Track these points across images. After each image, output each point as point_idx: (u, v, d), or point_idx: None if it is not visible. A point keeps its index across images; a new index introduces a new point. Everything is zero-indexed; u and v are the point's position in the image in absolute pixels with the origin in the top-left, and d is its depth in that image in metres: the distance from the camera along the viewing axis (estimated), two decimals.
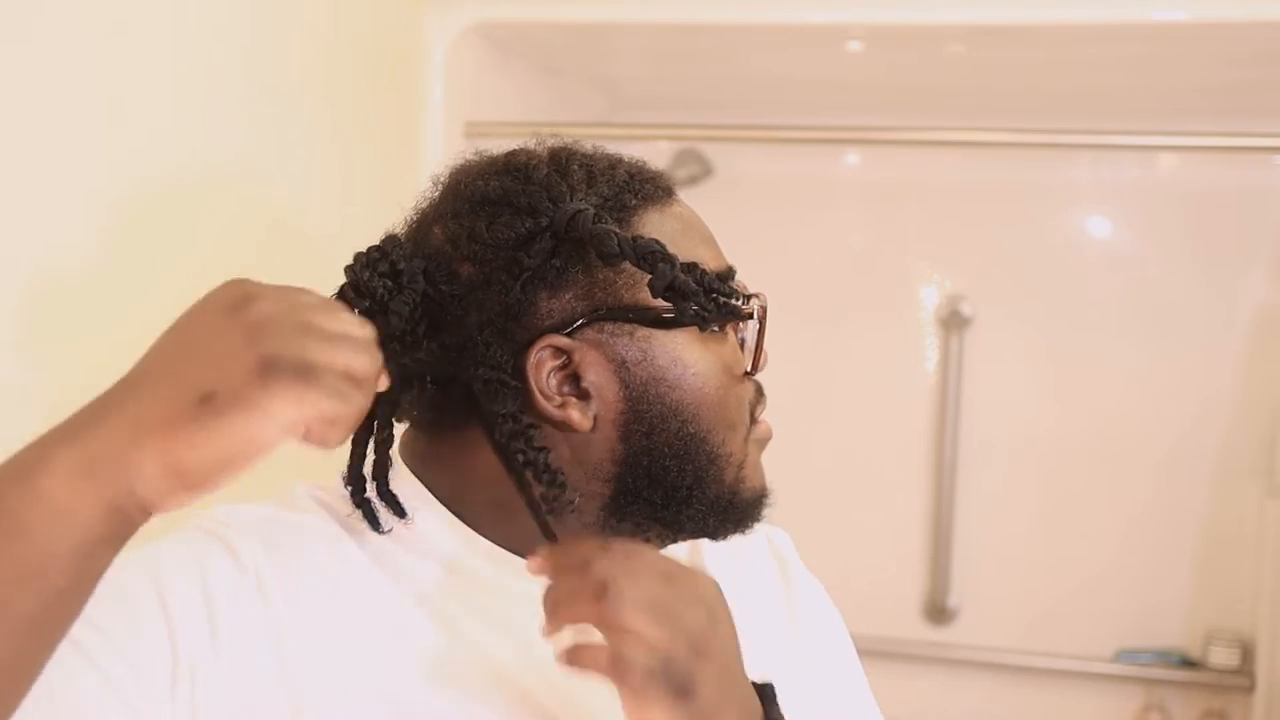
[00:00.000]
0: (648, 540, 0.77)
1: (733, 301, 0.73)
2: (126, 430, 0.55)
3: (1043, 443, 2.41)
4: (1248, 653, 2.28)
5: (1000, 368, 2.44)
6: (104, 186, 1.19)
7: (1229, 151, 2.23)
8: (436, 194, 0.78)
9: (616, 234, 0.70)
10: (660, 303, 0.71)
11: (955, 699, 2.44)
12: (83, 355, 1.17)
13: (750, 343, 0.76)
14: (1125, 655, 2.36)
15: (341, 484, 0.76)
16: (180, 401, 0.55)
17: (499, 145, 0.80)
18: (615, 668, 0.62)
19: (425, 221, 0.76)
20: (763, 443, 0.79)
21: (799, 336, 2.40)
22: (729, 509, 0.76)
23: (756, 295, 0.77)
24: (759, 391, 0.79)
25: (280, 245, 1.48)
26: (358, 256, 0.73)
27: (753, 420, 0.78)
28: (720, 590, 0.69)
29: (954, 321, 2.44)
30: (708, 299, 0.71)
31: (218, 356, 0.56)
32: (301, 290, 0.60)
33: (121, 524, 0.56)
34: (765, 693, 0.71)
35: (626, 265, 0.70)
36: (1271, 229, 2.32)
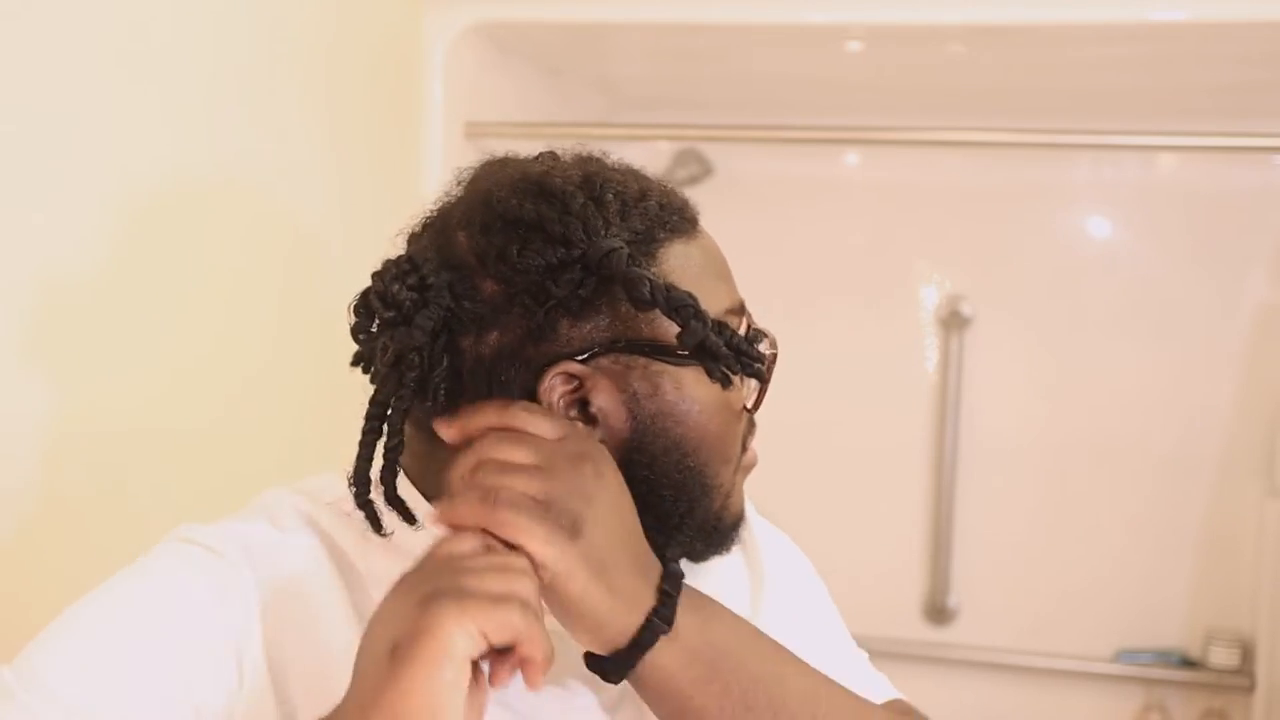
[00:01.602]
0: None
1: (758, 365, 0.75)
2: (355, 715, 0.59)
3: (1043, 443, 2.41)
4: (1248, 653, 2.28)
5: (1000, 368, 2.44)
6: (104, 188, 1.19)
7: (1229, 152, 2.23)
8: (461, 194, 0.77)
9: (651, 281, 0.70)
10: (676, 340, 0.72)
11: (955, 699, 2.44)
12: (85, 359, 1.17)
13: (754, 381, 0.77)
14: (1125, 655, 2.37)
15: (322, 488, 0.78)
16: (377, 664, 0.59)
17: (494, 145, 0.80)
18: (489, 505, 0.64)
19: (449, 224, 0.75)
20: (748, 470, 0.81)
21: (798, 337, 2.39)
22: (713, 534, 0.78)
23: (766, 335, 0.78)
24: (751, 422, 0.80)
25: (280, 245, 1.48)
26: (387, 265, 0.73)
27: (743, 449, 0.79)
28: (610, 459, 0.71)
29: (954, 321, 2.44)
30: (736, 360, 0.73)
31: (395, 616, 0.60)
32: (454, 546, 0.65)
33: None
34: (669, 569, 0.71)
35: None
36: (1272, 229, 2.32)
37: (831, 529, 2.39)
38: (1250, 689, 2.23)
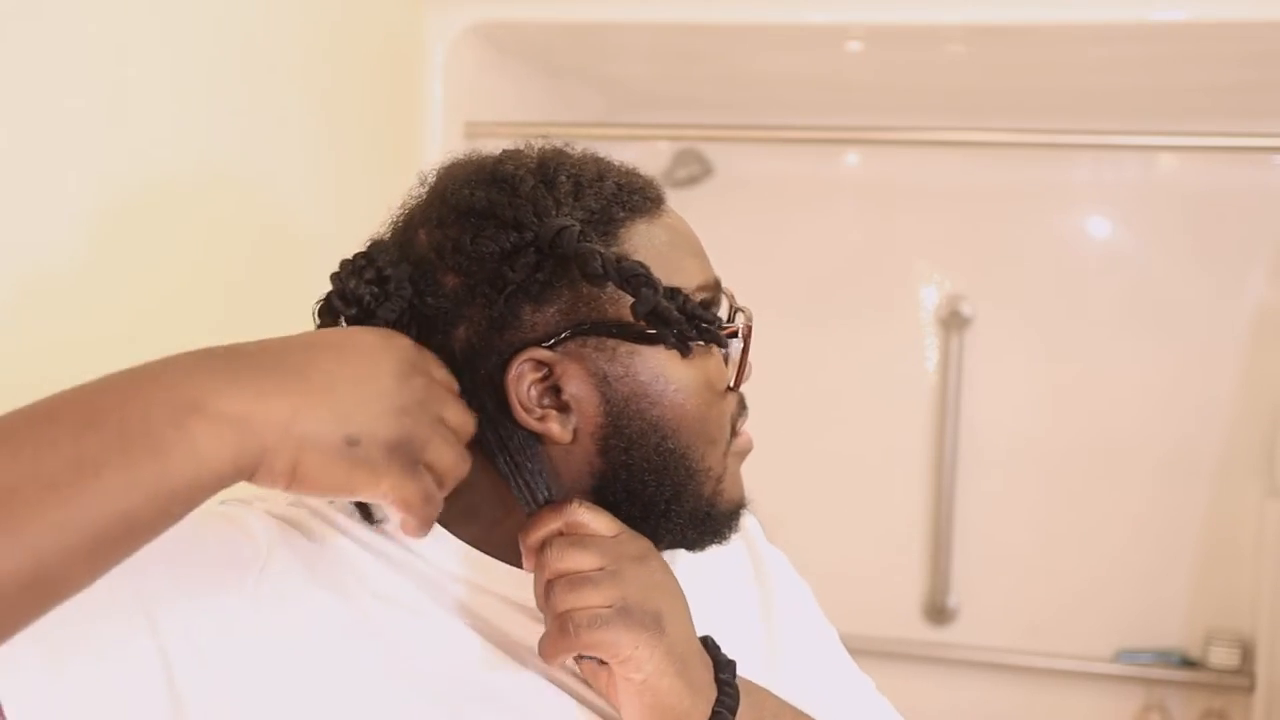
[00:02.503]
0: None
1: (713, 328, 0.73)
2: (285, 419, 0.60)
3: (1043, 443, 2.41)
4: (1248, 653, 2.28)
5: (1000, 368, 2.44)
6: (104, 187, 1.19)
7: (1229, 152, 2.23)
8: (424, 195, 0.77)
9: (601, 254, 0.69)
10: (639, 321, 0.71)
11: (955, 699, 2.44)
12: (81, 355, 1.17)
13: (734, 358, 0.76)
14: (1125, 655, 2.37)
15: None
16: (334, 431, 0.62)
17: (495, 145, 0.80)
18: (572, 634, 0.67)
19: (412, 224, 0.75)
20: (743, 455, 0.79)
21: (798, 337, 2.40)
22: (706, 521, 0.76)
23: (742, 310, 0.77)
24: (741, 404, 0.79)
25: (280, 245, 1.48)
26: (344, 264, 0.73)
27: (734, 433, 0.78)
28: (653, 548, 0.73)
29: (954, 321, 2.44)
30: (690, 325, 0.71)
31: (376, 413, 0.63)
32: (445, 373, 0.70)
33: (234, 480, 0.60)
34: (708, 642, 0.74)
35: (611, 284, 0.70)
36: (1272, 229, 2.32)
37: (832, 529, 2.39)
38: (1250, 689, 2.23)
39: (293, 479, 0.61)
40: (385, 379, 0.64)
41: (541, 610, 0.70)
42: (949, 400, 2.43)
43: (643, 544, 0.72)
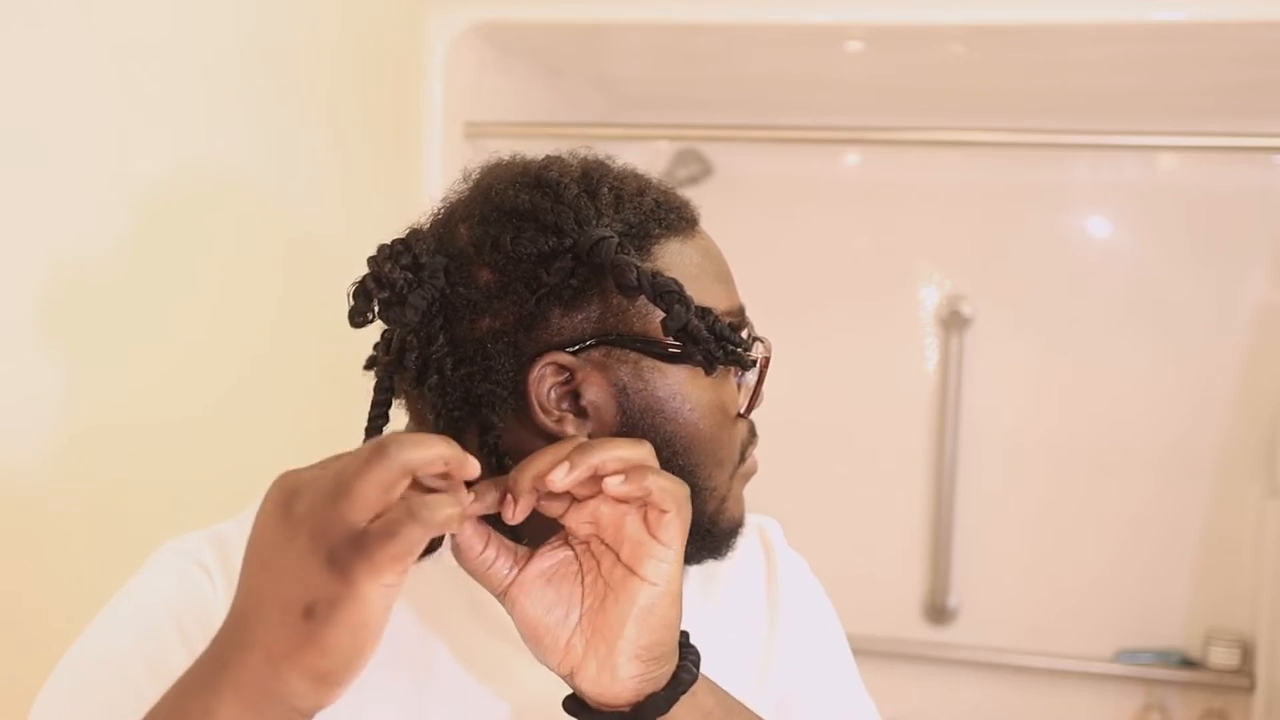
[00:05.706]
0: None
1: (741, 351, 0.75)
2: (264, 666, 0.58)
3: (1043, 443, 2.41)
4: (1248, 653, 2.28)
5: (1000, 368, 2.44)
6: (108, 188, 1.19)
7: (1229, 151, 2.23)
8: (466, 191, 0.78)
9: (637, 267, 0.70)
10: (668, 337, 0.72)
11: (955, 699, 2.44)
12: (90, 355, 1.17)
13: (749, 385, 0.78)
14: (1125, 655, 2.37)
15: None
16: (291, 624, 0.58)
17: (494, 145, 0.80)
18: (643, 472, 0.65)
19: (453, 218, 0.76)
20: (747, 477, 0.80)
21: (798, 337, 2.40)
22: (706, 537, 0.77)
23: (761, 340, 0.78)
24: (752, 431, 0.80)
25: (280, 244, 1.48)
26: (381, 248, 0.73)
27: (742, 459, 0.79)
28: None
29: (954, 321, 2.44)
30: (718, 346, 0.73)
31: (294, 569, 0.58)
32: (337, 458, 0.60)
33: None
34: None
35: (642, 298, 0.71)
36: (1272, 229, 2.32)
37: (832, 529, 2.39)
38: (1250, 689, 2.23)
39: (329, 680, 0.58)
40: (273, 535, 0.59)
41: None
42: (949, 400, 2.44)
43: None
